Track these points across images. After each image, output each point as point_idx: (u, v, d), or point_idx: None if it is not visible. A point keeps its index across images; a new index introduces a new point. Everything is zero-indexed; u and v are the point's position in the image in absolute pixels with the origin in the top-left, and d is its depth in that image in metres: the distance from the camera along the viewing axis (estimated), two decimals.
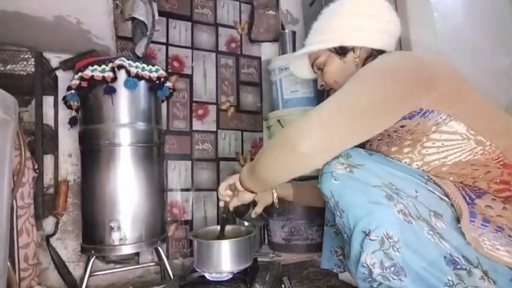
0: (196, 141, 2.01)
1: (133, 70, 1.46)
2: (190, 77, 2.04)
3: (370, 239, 0.77)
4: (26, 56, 1.45)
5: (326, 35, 1.03)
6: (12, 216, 1.14)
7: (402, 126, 0.84)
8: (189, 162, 1.97)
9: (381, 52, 0.99)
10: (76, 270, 1.68)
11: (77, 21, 1.46)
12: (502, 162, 0.81)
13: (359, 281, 0.84)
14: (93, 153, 1.45)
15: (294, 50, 2.07)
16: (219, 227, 1.26)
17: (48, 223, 1.67)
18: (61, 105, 1.64)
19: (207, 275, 1.14)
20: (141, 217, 1.45)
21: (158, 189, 1.54)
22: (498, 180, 0.81)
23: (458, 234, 0.74)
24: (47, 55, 1.66)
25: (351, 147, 0.83)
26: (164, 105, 1.88)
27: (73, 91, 1.45)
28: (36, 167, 1.33)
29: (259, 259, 1.34)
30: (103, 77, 1.42)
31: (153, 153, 1.53)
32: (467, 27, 1.61)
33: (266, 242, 1.92)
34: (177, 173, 1.93)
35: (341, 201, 0.84)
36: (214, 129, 2.07)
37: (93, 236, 1.42)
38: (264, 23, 2.25)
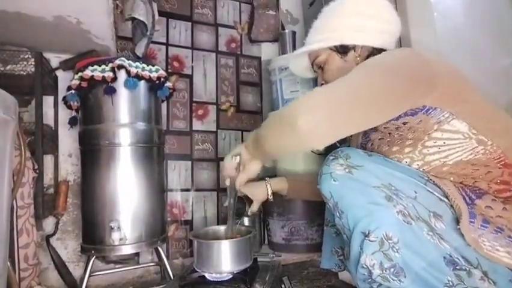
0: (196, 141, 2.01)
1: (133, 70, 1.46)
2: (190, 77, 2.04)
3: (370, 240, 0.77)
4: (26, 56, 1.45)
5: (326, 34, 1.03)
6: (12, 216, 1.14)
7: (404, 123, 0.84)
8: (189, 162, 1.97)
9: (381, 51, 0.99)
10: (76, 270, 1.68)
11: (77, 21, 1.46)
12: (502, 162, 0.81)
13: (358, 281, 0.84)
14: (93, 153, 1.45)
15: (294, 50, 2.07)
16: (219, 227, 1.26)
17: (48, 223, 1.67)
18: (61, 105, 1.63)
19: (207, 275, 1.14)
20: (141, 217, 1.45)
21: (158, 189, 1.54)
22: (498, 181, 0.81)
23: (457, 235, 0.75)
24: (47, 55, 1.66)
25: (348, 134, 0.84)
26: (164, 105, 1.87)
27: (73, 91, 1.45)
28: (36, 167, 1.33)
29: (259, 259, 1.34)
30: (103, 77, 1.41)
31: (153, 153, 1.53)
32: (467, 27, 1.61)
33: (266, 242, 1.92)
34: (177, 173, 1.93)
35: (340, 202, 0.84)
36: (214, 129, 2.07)
37: (93, 236, 1.42)
38: (264, 23, 2.24)
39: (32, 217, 1.25)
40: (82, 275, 1.50)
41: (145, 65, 1.52)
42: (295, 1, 2.38)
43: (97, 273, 1.61)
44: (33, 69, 1.45)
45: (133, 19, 1.73)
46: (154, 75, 1.53)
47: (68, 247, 1.71)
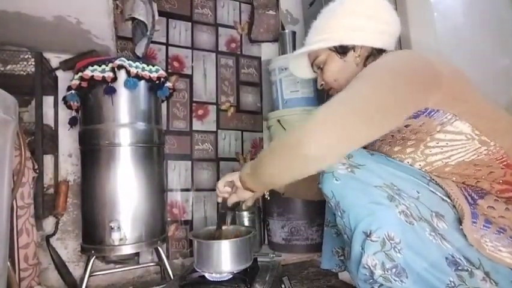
0: (196, 141, 2.01)
1: (133, 70, 1.46)
2: (190, 77, 2.04)
3: (371, 240, 0.77)
4: (26, 56, 1.45)
5: (326, 34, 1.02)
6: (12, 216, 1.14)
7: (406, 126, 0.83)
8: (189, 162, 1.97)
9: (381, 51, 0.99)
10: (76, 270, 1.68)
11: (77, 21, 1.46)
12: (505, 163, 0.81)
13: (359, 282, 0.83)
14: (93, 153, 1.45)
15: (294, 50, 2.07)
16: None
17: (48, 223, 1.67)
18: (61, 105, 1.63)
19: (207, 275, 1.14)
20: (141, 217, 1.45)
21: (158, 189, 1.54)
22: (501, 181, 0.81)
23: (460, 235, 0.74)
24: (47, 55, 1.66)
25: (359, 147, 0.81)
26: (164, 105, 1.88)
27: (73, 91, 1.45)
28: (36, 167, 1.33)
29: (259, 259, 1.34)
30: (103, 77, 1.41)
31: (153, 153, 1.53)
32: (467, 27, 1.61)
33: (266, 242, 1.92)
34: (177, 173, 1.93)
35: (342, 201, 0.83)
36: (214, 129, 2.07)
37: (93, 236, 1.42)
38: (264, 23, 2.24)
39: (32, 217, 1.25)
40: (82, 275, 1.50)
41: (145, 65, 1.51)
42: (295, 1, 2.38)
43: (97, 273, 1.61)
44: (33, 69, 1.45)
45: (133, 19, 1.73)
46: (154, 75, 1.53)
47: (68, 247, 1.71)
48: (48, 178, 1.67)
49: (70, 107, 1.52)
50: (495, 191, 0.81)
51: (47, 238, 1.60)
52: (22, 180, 1.15)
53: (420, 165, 0.86)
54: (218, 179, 2.01)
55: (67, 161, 1.76)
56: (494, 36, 1.66)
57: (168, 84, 1.61)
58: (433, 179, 0.82)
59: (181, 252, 1.89)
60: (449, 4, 1.61)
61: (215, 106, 2.09)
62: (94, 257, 1.43)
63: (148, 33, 1.74)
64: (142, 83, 1.50)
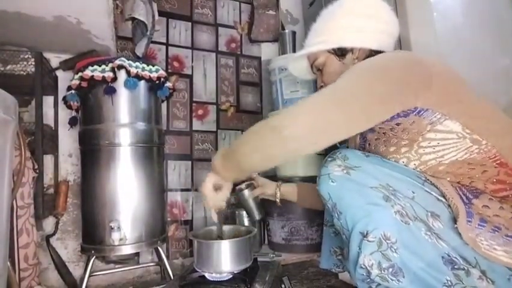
0: (196, 141, 2.01)
1: (133, 70, 1.46)
2: (190, 77, 2.04)
3: (368, 240, 0.77)
4: (26, 56, 1.46)
5: (324, 37, 1.03)
6: (12, 216, 1.14)
7: (397, 124, 0.84)
8: (189, 162, 1.97)
9: (379, 53, 0.99)
10: (76, 270, 1.68)
11: (77, 21, 1.46)
12: (498, 161, 0.81)
13: (357, 281, 0.84)
14: (93, 153, 1.45)
15: (294, 50, 2.07)
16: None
17: (48, 223, 1.67)
18: (61, 105, 1.64)
19: (207, 275, 1.14)
20: (141, 217, 1.45)
21: (158, 189, 1.54)
22: (495, 180, 0.81)
23: (455, 234, 0.75)
24: (47, 55, 1.66)
25: (337, 140, 0.82)
26: (164, 105, 1.88)
27: (73, 91, 1.46)
28: (36, 167, 1.33)
29: (259, 259, 1.34)
30: (103, 77, 1.42)
31: (153, 153, 1.53)
32: (467, 27, 1.61)
33: (266, 242, 1.92)
34: (177, 173, 1.94)
35: (338, 202, 0.84)
36: (214, 129, 2.08)
37: (93, 236, 1.42)
38: (264, 23, 2.25)
39: (32, 217, 1.25)
40: (82, 275, 1.51)
41: (145, 65, 1.52)
42: (295, 1, 2.38)
43: (97, 273, 1.62)
44: (33, 69, 1.45)
45: (133, 19, 1.73)
46: (154, 75, 1.53)
47: (68, 247, 1.72)
48: (48, 178, 1.68)
49: (70, 107, 1.53)
50: (489, 190, 0.81)
51: (47, 238, 1.61)
52: (22, 180, 1.16)
53: (415, 164, 0.86)
54: None
55: (67, 161, 1.77)
56: (494, 36, 1.65)
57: (168, 84, 1.61)
58: (428, 179, 0.82)
59: (181, 252, 1.89)
60: (449, 4, 1.61)
61: (215, 106, 2.10)
62: (94, 257, 1.43)
63: (148, 33, 1.74)
64: (142, 83, 1.50)
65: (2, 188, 0.88)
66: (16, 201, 1.16)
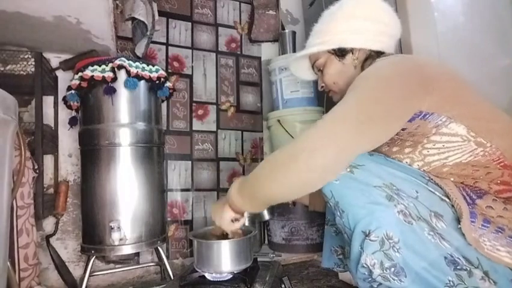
0: (196, 141, 2.01)
1: (133, 70, 1.46)
2: (190, 77, 2.04)
3: (370, 240, 0.77)
4: (26, 56, 1.45)
5: (325, 37, 1.03)
6: (12, 216, 1.14)
7: (403, 129, 0.84)
8: (189, 162, 1.97)
9: (379, 54, 0.99)
10: (76, 270, 1.68)
11: (77, 21, 1.46)
12: (502, 164, 0.81)
13: (359, 281, 0.84)
14: (93, 153, 1.45)
15: (294, 50, 2.08)
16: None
17: (48, 223, 1.67)
18: (61, 105, 1.64)
19: (207, 275, 1.14)
20: (141, 217, 1.45)
21: (158, 189, 1.54)
22: (499, 181, 0.81)
23: (458, 234, 0.74)
24: (47, 55, 1.66)
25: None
26: (164, 105, 1.88)
27: (73, 91, 1.45)
28: (36, 167, 1.33)
29: (259, 259, 1.34)
30: (103, 77, 1.41)
31: (153, 153, 1.53)
32: (467, 27, 1.61)
33: (266, 242, 1.92)
34: (177, 173, 1.93)
35: (341, 201, 0.84)
36: (214, 129, 2.07)
37: (93, 236, 1.42)
38: (264, 23, 2.25)
39: (32, 217, 1.25)
40: (82, 275, 1.50)
41: (145, 65, 1.52)
42: (295, 1, 2.38)
43: (97, 273, 1.61)
44: (33, 69, 1.45)
45: (133, 19, 1.73)
46: (154, 75, 1.53)
47: (68, 247, 1.71)
48: (48, 178, 1.68)
49: (70, 107, 1.52)
50: (493, 191, 0.81)
51: (47, 238, 1.61)
52: (22, 180, 1.16)
53: (418, 165, 0.86)
54: (218, 179, 2.02)
55: (67, 161, 1.76)
56: (494, 36, 1.65)
57: (168, 84, 1.61)
58: (432, 179, 0.82)
59: (181, 252, 1.89)
60: (450, 4, 1.61)
61: (215, 106, 2.10)
62: (94, 257, 1.43)
63: (148, 33, 1.74)
64: (142, 83, 1.50)
65: (2, 188, 0.88)
66: (16, 201, 1.16)
